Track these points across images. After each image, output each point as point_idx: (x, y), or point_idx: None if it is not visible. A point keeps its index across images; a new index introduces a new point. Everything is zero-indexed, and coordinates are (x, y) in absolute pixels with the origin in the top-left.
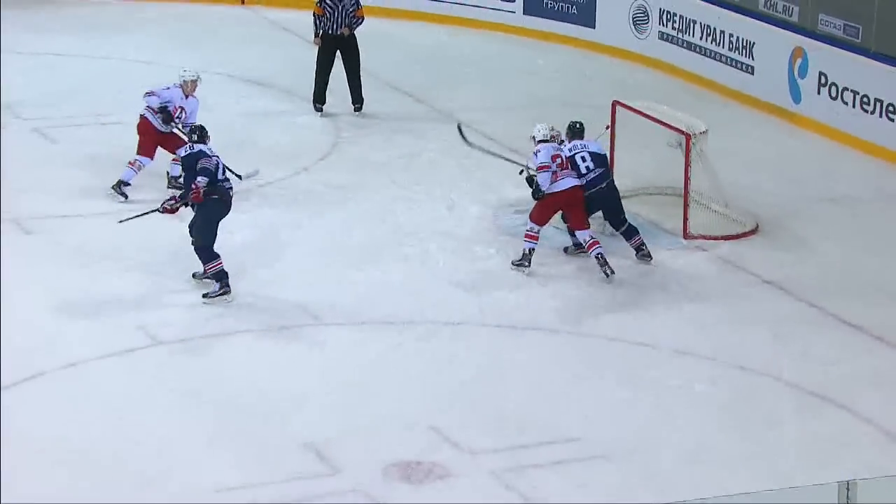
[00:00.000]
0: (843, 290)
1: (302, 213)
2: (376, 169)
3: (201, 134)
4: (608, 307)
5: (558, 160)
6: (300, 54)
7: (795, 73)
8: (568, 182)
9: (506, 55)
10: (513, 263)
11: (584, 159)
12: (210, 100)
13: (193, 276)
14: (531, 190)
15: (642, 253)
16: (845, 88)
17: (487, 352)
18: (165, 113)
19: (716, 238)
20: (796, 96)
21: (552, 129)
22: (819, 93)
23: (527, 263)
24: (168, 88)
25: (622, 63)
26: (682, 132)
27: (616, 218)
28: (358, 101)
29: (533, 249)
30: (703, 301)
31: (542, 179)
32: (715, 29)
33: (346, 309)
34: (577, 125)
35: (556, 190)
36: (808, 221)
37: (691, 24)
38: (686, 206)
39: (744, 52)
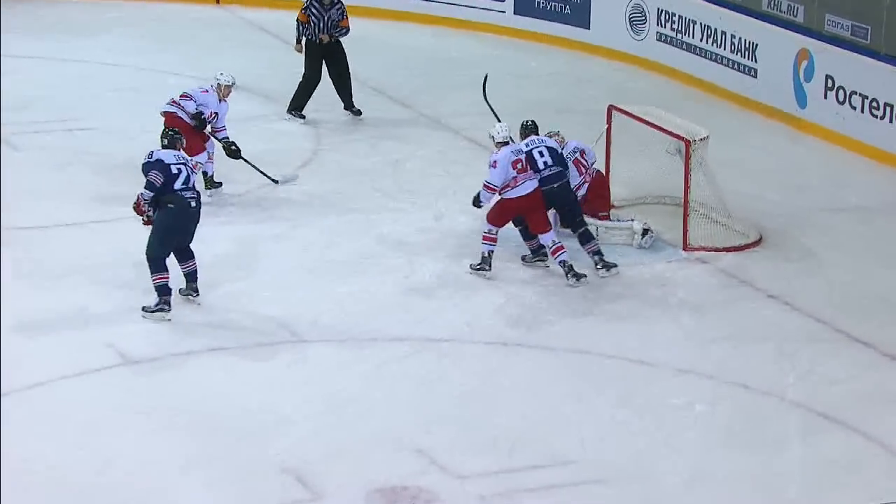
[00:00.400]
0: (852, 304)
1: (281, 223)
2: (360, 177)
3: (171, 139)
4: (604, 323)
5: (519, 165)
6: (279, 56)
7: (801, 76)
8: (528, 186)
9: (495, 58)
10: (471, 267)
11: (541, 154)
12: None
13: (180, 291)
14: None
15: (602, 265)
16: (853, 92)
17: (477, 370)
18: (200, 120)
19: (717, 250)
20: (802, 100)
21: (557, 134)
22: (826, 97)
23: (487, 267)
24: (205, 91)
25: (618, 66)
26: (681, 138)
27: (572, 219)
28: (351, 105)
29: (492, 252)
30: (704, 316)
31: (485, 197)
32: (716, 30)
33: (327, 325)
34: (529, 123)
35: (515, 195)
36: (815, 232)
37: (691, 25)
38: (686, 216)
39: (746, 54)
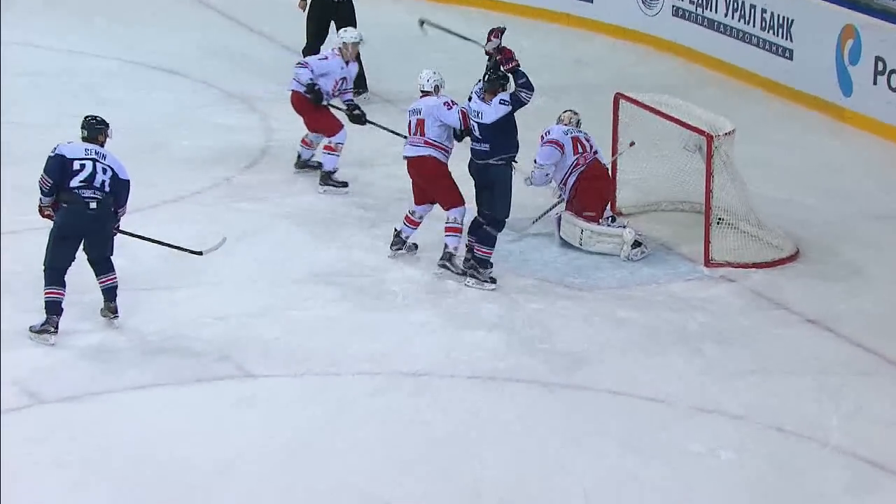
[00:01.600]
0: None
1: (225, 233)
2: (317, 180)
3: (91, 129)
4: (610, 353)
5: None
6: (221, 36)
7: (845, 58)
8: (406, 149)
9: (480, 37)
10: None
11: (475, 126)
12: (114, 93)
13: (101, 312)
14: None
15: (473, 281)
16: None
17: (458, 409)
18: (314, 92)
19: (745, 266)
20: (846, 87)
21: (574, 115)
22: (875, 83)
23: (399, 247)
24: (325, 58)
25: (627, 46)
26: (702, 133)
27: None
28: (363, 83)
29: (405, 233)
30: (729, 345)
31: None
32: (743, 3)
33: (282, 356)
34: (487, 76)
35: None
36: (861, 245)
37: None
38: (707, 225)
39: (780, 31)
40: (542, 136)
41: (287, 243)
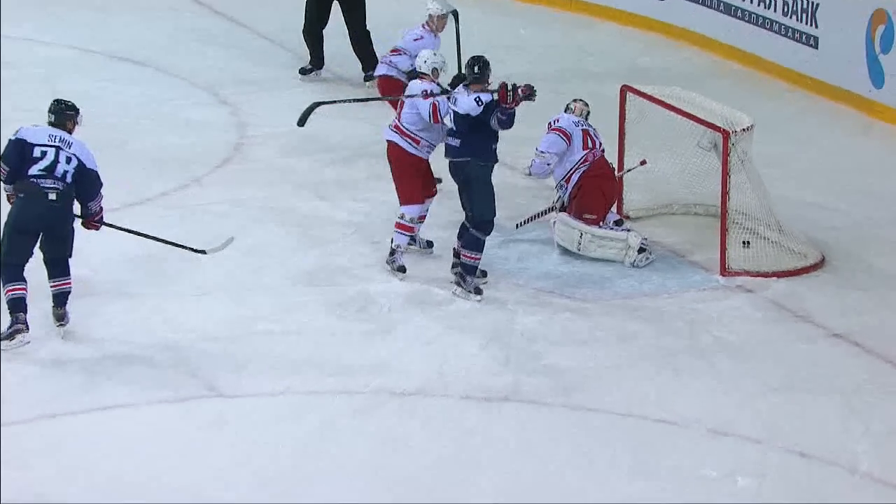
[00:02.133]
0: None
1: (193, 240)
2: (296, 179)
3: (58, 115)
4: (617, 370)
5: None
6: (196, 25)
7: (876, 46)
8: (385, 132)
9: (476, 23)
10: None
11: (451, 114)
12: (72, 85)
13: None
14: None
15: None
16: None
17: (451, 431)
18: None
19: (765, 275)
20: (877, 79)
21: (585, 105)
22: None
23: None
24: (419, 38)
25: (634, 34)
26: (717, 129)
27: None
28: (369, 66)
29: (410, 243)
30: (747, 361)
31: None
32: None
33: (256, 373)
34: (466, 72)
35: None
36: (893, 251)
37: None
38: (724, 230)
39: (804, 17)
40: (549, 125)
41: (263, 249)
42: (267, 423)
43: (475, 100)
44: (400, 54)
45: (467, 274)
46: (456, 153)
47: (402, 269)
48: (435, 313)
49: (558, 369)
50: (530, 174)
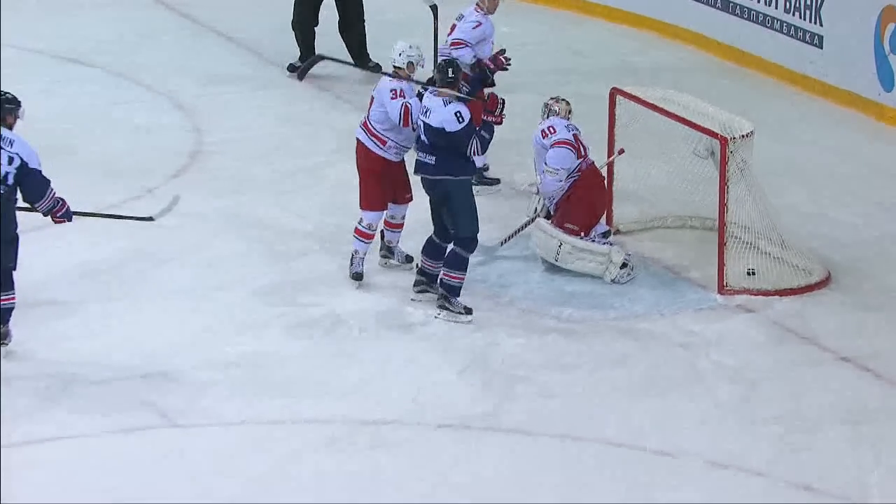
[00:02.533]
0: None
1: (145, 256)
2: (258, 190)
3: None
4: (608, 396)
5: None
6: (151, 24)
7: (885, 45)
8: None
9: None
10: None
11: (421, 126)
12: (11, 86)
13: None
14: None
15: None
16: None
17: (428, 463)
18: (482, 71)
19: (767, 293)
20: (887, 80)
21: (567, 104)
22: None
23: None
24: (478, 24)
25: (625, 32)
26: (715, 135)
27: (441, 229)
28: (367, 60)
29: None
30: (748, 387)
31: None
32: None
33: (214, 401)
34: (437, 75)
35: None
36: None
37: None
38: (722, 245)
39: (807, 14)
40: (544, 133)
41: (223, 264)
42: (226, 456)
43: (455, 114)
44: (462, 47)
45: (452, 295)
46: (430, 171)
47: (359, 277)
48: (409, 335)
49: (543, 396)
50: (538, 192)
